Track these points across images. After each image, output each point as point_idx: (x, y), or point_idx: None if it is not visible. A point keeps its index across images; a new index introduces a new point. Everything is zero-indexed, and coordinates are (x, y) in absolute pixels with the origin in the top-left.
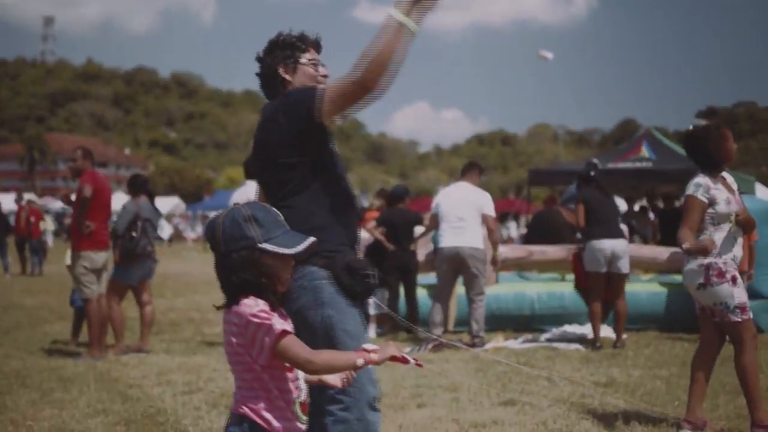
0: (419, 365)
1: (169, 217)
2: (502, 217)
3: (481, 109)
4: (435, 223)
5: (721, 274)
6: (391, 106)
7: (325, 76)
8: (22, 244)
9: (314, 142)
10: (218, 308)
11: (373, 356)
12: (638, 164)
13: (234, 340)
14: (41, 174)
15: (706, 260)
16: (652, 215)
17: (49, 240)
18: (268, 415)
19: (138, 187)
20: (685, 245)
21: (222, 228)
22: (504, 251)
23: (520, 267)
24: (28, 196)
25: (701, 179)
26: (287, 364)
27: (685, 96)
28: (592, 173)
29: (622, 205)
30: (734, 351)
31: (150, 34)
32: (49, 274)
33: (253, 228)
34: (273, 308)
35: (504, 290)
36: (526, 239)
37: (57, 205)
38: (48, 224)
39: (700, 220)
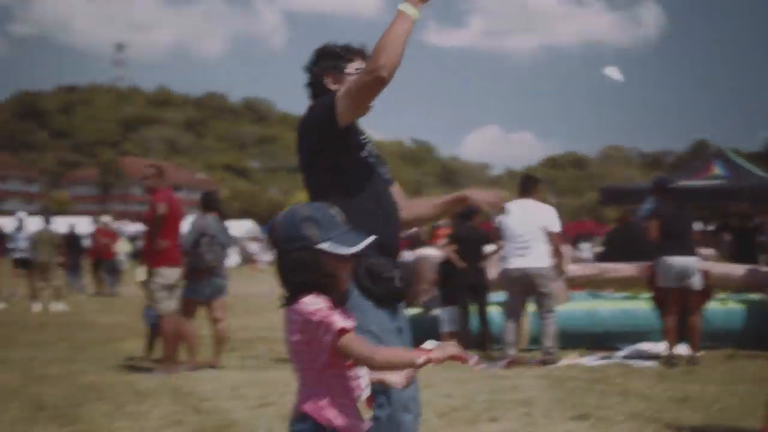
0: (477, 363)
1: (243, 241)
2: (576, 240)
3: (552, 131)
4: (499, 242)
5: None
6: (462, 129)
7: None
8: (97, 265)
9: (339, 147)
10: (280, 307)
11: (433, 354)
12: (710, 182)
13: (294, 338)
14: (115, 198)
15: None
16: (727, 235)
17: (124, 262)
18: (330, 413)
19: (208, 204)
20: None
21: (280, 228)
22: (575, 269)
23: (593, 285)
24: (103, 218)
25: None
26: (348, 362)
27: (758, 118)
28: (670, 185)
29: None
30: None
31: (220, 59)
32: (124, 295)
33: (310, 228)
34: (334, 306)
35: (577, 308)
36: (603, 257)
37: (131, 228)
38: (122, 246)
39: None
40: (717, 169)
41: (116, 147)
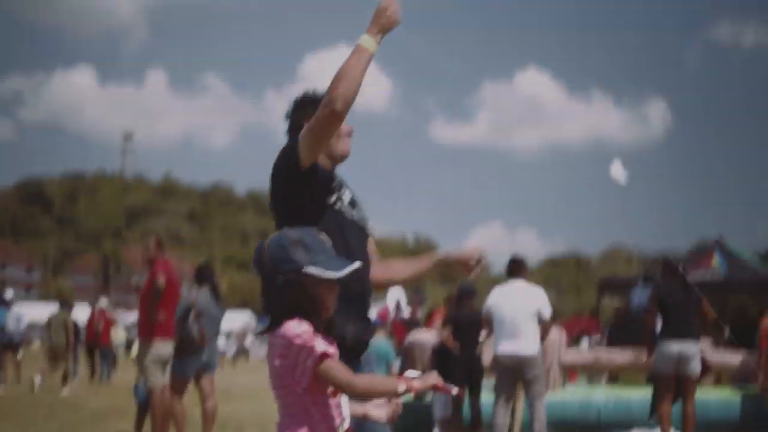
0: (460, 395)
1: (240, 335)
2: (576, 339)
3: (556, 229)
4: (489, 326)
5: None
6: (466, 225)
7: (350, 132)
8: (92, 350)
9: (303, 191)
10: (261, 333)
11: (415, 384)
12: (709, 276)
13: (277, 362)
14: (116, 288)
15: None
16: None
17: (119, 348)
18: None
19: (200, 277)
20: None
21: (269, 251)
22: (571, 357)
23: (588, 373)
24: (101, 302)
25: None
26: (329, 390)
27: (764, 217)
28: (675, 263)
29: None
30: None
31: (227, 149)
32: (117, 381)
33: (298, 252)
34: (317, 332)
35: (570, 397)
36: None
37: (129, 316)
38: (119, 335)
39: None
40: (716, 262)
41: (119, 236)
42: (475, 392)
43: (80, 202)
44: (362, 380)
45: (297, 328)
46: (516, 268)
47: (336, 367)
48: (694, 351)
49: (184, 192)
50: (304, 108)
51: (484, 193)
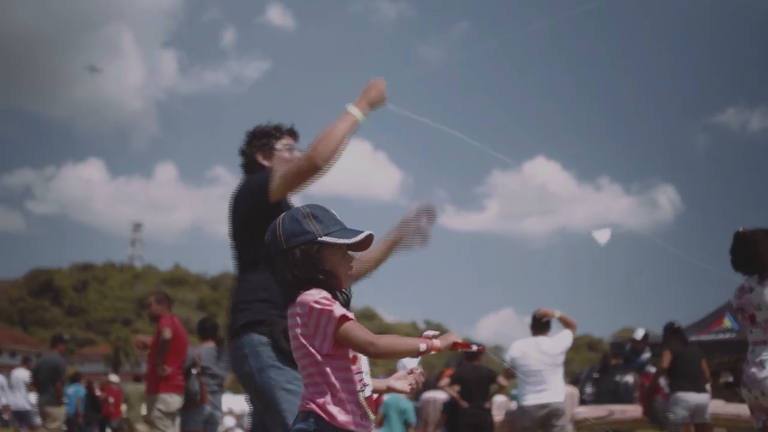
0: (480, 350)
1: (239, 416)
2: None
3: (567, 313)
4: (511, 376)
5: None
6: (477, 311)
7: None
8: (103, 425)
9: (266, 221)
10: (287, 304)
11: (436, 342)
12: (721, 336)
13: (299, 331)
14: (125, 375)
15: None
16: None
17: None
18: (333, 409)
19: (204, 331)
20: None
21: (282, 225)
22: (583, 411)
23: (601, 427)
24: (111, 377)
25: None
26: (350, 356)
27: None
28: (677, 325)
29: None
30: None
31: None
32: None
33: (312, 224)
34: (334, 299)
35: None
36: None
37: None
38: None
39: None
40: (728, 322)
41: (129, 325)
42: None
43: (90, 292)
44: (384, 339)
45: (316, 295)
46: (539, 324)
47: (356, 329)
48: (709, 401)
49: (194, 281)
50: (258, 140)
51: (494, 280)
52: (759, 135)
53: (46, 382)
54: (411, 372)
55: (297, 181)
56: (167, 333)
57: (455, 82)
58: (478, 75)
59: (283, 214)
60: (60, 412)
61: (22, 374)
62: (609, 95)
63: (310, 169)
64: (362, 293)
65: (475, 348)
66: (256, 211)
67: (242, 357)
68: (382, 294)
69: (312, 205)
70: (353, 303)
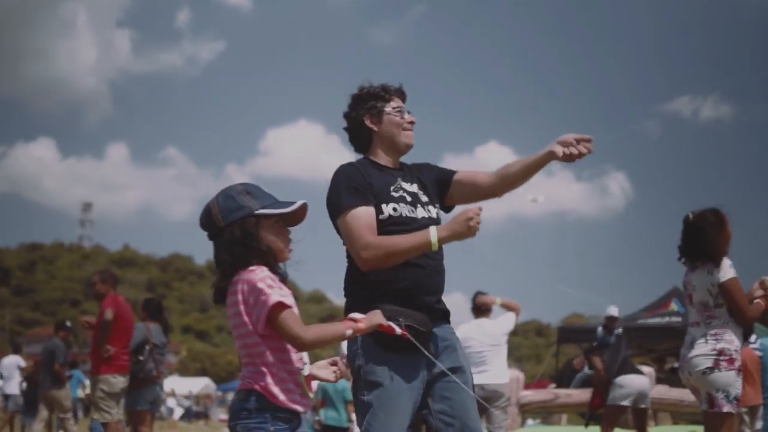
0: (405, 336)
1: (199, 398)
2: None
3: (516, 298)
4: None
5: (731, 362)
6: None
7: (411, 123)
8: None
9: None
10: (216, 301)
11: (360, 325)
12: (668, 319)
13: (242, 308)
14: (73, 356)
15: (720, 345)
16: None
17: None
18: (274, 389)
19: (152, 311)
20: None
21: (217, 204)
22: (528, 394)
23: (546, 410)
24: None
25: (726, 262)
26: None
27: None
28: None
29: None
30: None
31: (187, 221)
32: None
33: (247, 199)
34: (275, 276)
35: None
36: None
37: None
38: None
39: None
40: (674, 306)
41: (77, 306)
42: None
43: (38, 272)
44: (310, 332)
45: (259, 273)
46: (479, 309)
47: (288, 319)
48: (649, 386)
49: (143, 262)
50: (364, 103)
51: (444, 264)
52: (710, 123)
53: (44, 367)
54: (334, 362)
55: (348, 246)
56: (109, 314)
57: (409, 66)
58: (431, 59)
59: (215, 195)
60: (63, 395)
61: (14, 360)
62: (561, 81)
63: (358, 261)
64: (311, 276)
65: (398, 332)
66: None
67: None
68: (332, 277)
69: (243, 183)
70: (302, 286)
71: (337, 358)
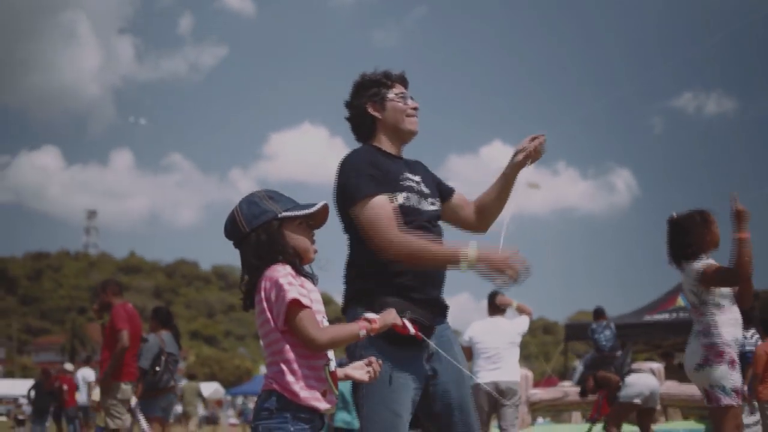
0: (418, 336)
1: (208, 402)
2: None
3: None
4: (469, 356)
5: (720, 355)
6: None
7: (415, 109)
8: (58, 414)
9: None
10: (245, 308)
11: (375, 325)
12: (674, 315)
13: (265, 305)
14: (81, 364)
15: (707, 340)
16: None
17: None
18: (295, 387)
19: (162, 320)
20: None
21: (240, 211)
22: (538, 393)
23: (555, 408)
24: (66, 366)
25: (697, 262)
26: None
27: None
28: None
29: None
30: None
31: (193, 227)
32: None
33: (270, 203)
34: (299, 275)
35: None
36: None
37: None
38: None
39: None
40: (681, 301)
41: (84, 314)
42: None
43: (44, 281)
44: (325, 334)
45: (281, 270)
46: (496, 305)
47: (305, 319)
48: (658, 385)
49: (149, 268)
50: (366, 90)
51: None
52: (714, 119)
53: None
54: (370, 362)
55: (366, 236)
56: (125, 340)
57: (412, 68)
58: (435, 59)
59: (238, 203)
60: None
61: (85, 373)
62: (565, 80)
63: (381, 253)
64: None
65: (412, 332)
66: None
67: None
68: (339, 279)
69: (265, 189)
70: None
71: (373, 358)
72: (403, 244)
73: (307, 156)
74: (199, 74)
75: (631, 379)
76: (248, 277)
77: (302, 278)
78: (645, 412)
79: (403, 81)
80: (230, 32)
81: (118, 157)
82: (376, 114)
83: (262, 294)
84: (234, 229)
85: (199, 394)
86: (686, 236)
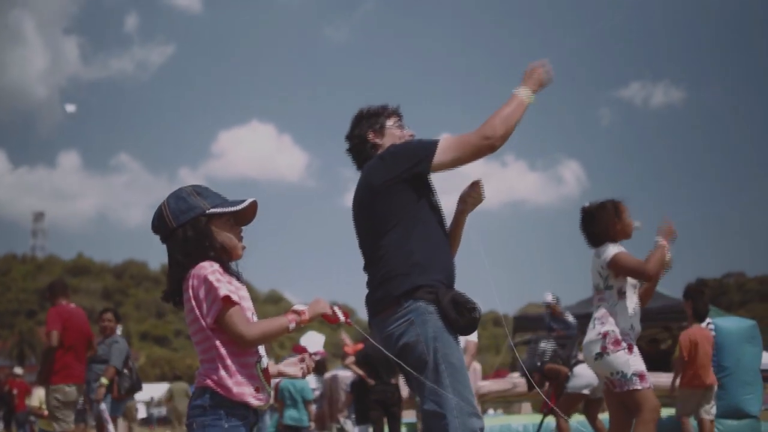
0: (348, 323)
1: (160, 402)
2: None
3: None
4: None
5: (617, 343)
6: None
7: (411, 136)
8: (8, 418)
9: (415, 189)
10: (165, 299)
11: (304, 317)
12: None
13: (194, 303)
14: (31, 368)
15: (604, 328)
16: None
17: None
18: (228, 382)
19: (118, 320)
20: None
21: (168, 206)
22: (487, 384)
23: (505, 399)
24: (15, 370)
25: (612, 245)
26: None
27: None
28: None
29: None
30: (634, 424)
31: (141, 228)
32: None
33: (197, 199)
34: (226, 272)
35: (489, 424)
36: None
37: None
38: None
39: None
40: None
41: (33, 317)
42: (394, 424)
43: None
44: (254, 329)
45: (209, 267)
46: None
47: (234, 316)
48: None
49: (98, 270)
50: (366, 121)
51: None
52: (661, 109)
53: None
54: (302, 358)
55: (469, 158)
56: (54, 339)
57: (363, 62)
58: (384, 54)
59: (166, 198)
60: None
61: None
62: (513, 70)
63: (486, 149)
64: (268, 276)
65: (342, 319)
66: (407, 174)
67: (407, 323)
68: (289, 276)
69: (193, 184)
70: (259, 287)
71: (306, 354)
72: (498, 120)
73: (256, 153)
74: (146, 73)
75: (579, 369)
76: (173, 273)
77: (229, 275)
78: (593, 402)
79: (398, 114)
80: (177, 30)
81: (66, 158)
82: (376, 140)
83: (190, 292)
84: (161, 225)
85: (187, 395)
86: (598, 225)
